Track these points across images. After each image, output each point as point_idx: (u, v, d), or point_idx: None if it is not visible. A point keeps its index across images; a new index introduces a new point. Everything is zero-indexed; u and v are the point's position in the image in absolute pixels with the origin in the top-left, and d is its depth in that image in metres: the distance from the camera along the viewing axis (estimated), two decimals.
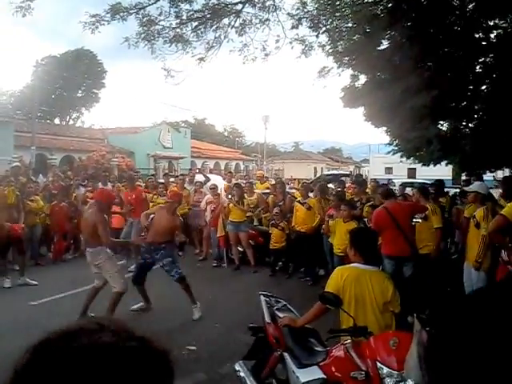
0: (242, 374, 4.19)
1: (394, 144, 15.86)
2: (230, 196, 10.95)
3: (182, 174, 15.06)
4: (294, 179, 17.45)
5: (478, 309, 0.93)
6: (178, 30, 9.89)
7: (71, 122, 48.70)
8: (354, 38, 10.40)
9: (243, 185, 11.73)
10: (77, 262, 10.47)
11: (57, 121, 46.40)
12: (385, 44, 10.01)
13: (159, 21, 9.64)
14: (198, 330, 6.51)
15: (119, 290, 6.50)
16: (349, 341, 3.29)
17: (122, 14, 9.22)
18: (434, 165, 15.26)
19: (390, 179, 22.58)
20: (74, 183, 12.92)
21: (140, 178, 14.95)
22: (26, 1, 8.45)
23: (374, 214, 7.32)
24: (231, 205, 10.48)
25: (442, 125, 13.21)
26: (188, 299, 7.11)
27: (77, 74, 40.74)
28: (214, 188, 11.34)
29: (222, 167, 39.61)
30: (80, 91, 47.92)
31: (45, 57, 43.04)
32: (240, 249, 10.56)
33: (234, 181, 14.27)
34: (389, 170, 33.95)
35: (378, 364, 2.93)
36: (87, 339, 0.77)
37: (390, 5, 9.09)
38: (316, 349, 3.68)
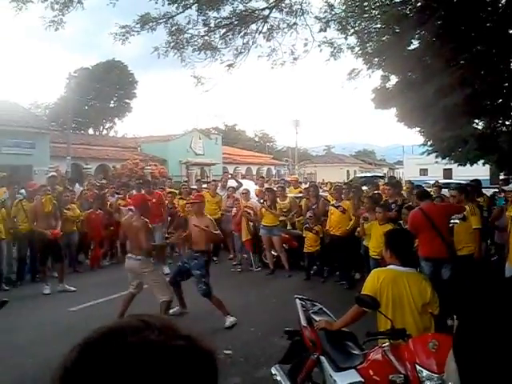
0: (278, 378, 4.18)
1: (429, 144, 15.58)
2: (262, 200, 10.97)
3: (214, 180, 15.17)
4: (327, 182, 17.33)
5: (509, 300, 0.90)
6: (206, 37, 10.01)
7: (105, 131, 49.76)
8: (384, 38, 10.30)
9: (276, 189, 11.73)
10: (113, 268, 10.70)
11: (91, 131, 47.45)
12: (415, 43, 9.89)
13: (188, 29, 9.78)
14: (234, 334, 6.53)
15: (167, 298, 6.59)
16: (387, 344, 3.24)
17: (151, 24, 9.39)
18: (471, 164, 14.95)
19: (424, 181, 22.20)
20: (108, 191, 13.16)
21: (173, 185, 15.15)
22: (58, 15, 8.69)
23: (409, 215, 7.23)
24: (263, 209, 10.49)
25: (477, 123, 12.94)
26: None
27: (109, 85, 41.63)
28: (246, 193, 11.38)
29: (254, 172, 39.71)
30: (112, 101, 48.91)
31: (77, 69, 44.16)
32: (274, 253, 10.55)
33: (266, 185, 14.29)
34: (424, 172, 33.33)
35: (418, 367, 2.88)
36: (135, 337, 0.76)
37: (419, 4, 8.98)
38: (353, 352, 3.64)
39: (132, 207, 7.26)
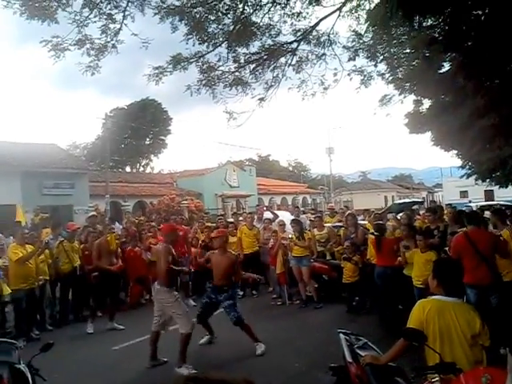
0: None
1: (467, 167, 15.27)
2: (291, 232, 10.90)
3: (250, 212, 15.20)
4: (364, 210, 17.08)
5: None
6: (236, 73, 10.19)
7: (141, 168, 50.92)
8: (414, 63, 10.28)
9: (313, 219, 11.63)
10: (153, 305, 10.73)
11: (128, 169, 48.64)
12: (446, 66, 9.81)
13: (218, 66, 9.99)
14: (278, 369, 6.41)
15: (188, 330, 6.59)
16: (437, 378, 3.12)
17: (182, 63, 9.64)
18: None
19: (465, 204, 21.64)
20: (146, 228, 13.32)
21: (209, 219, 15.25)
22: (94, 60, 9.03)
23: (453, 240, 7.03)
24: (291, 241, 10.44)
25: None
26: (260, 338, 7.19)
27: (144, 123, 42.72)
28: (282, 225, 11.34)
29: (289, 202, 39.65)
30: (148, 139, 50.15)
31: (113, 109, 45.60)
32: (315, 285, 10.40)
33: (302, 216, 14.21)
34: (464, 194, 32.65)
35: None
36: None
37: (447, 27, 8.93)
38: None
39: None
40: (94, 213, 15.59)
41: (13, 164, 20.09)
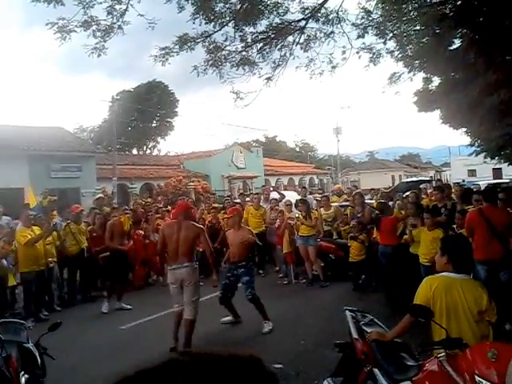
0: None
1: (476, 145, 15.13)
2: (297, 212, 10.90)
3: (256, 193, 15.19)
4: (370, 189, 17.02)
5: None
6: (243, 53, 10.06)
7: (148, 151, 50.84)
8: (424, 40, 10.10)
9: (319, 199, 11.60)
10: (159, 286, 10.86)
11: (134, 151, 48.59)
12: (457, 43, 9.65)
13: (225, 46, 9.86)
14: (284, 347, 6.46)
15: (193, 317, 6.52)
16: (443, 354, 3.11)
17: (189, 44, 9.52)
18: None
19: (473, 182, 21.46)
20: (153, 210, 13.35)
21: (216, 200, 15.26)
22: (100, 42, 8.95)
23: (467, 216, 7.07)
24: (298, 221, 10.45)
25: None
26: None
27: (150, 106, 42.51)
28: (289, 205, 11.34)
29: (296, 183, 39.60)
30: (155, 121, 49.97)
31: (119, 92, 45.26)
32: (322, 264, 10.43)
33: (309, 196, 14.17)
34: (472, 173, 32.42)
35: (477, 378, 2.75)
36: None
37: (459, 2, 8.77)
38: (408, 363, 3.51)
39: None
40: (101, 195, 15.67)
41: (20, 147, 20.14)
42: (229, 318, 7.68)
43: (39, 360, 4.40)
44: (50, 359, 4.55)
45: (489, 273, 6.43)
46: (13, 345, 4.28)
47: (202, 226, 7.28)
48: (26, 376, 4.12)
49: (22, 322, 5.21)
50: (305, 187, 19.30)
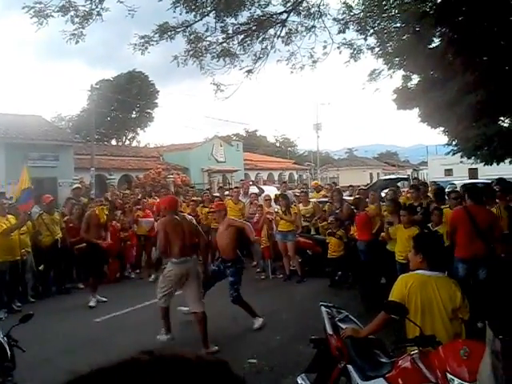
0: None
1: (453, 144, 15.30)
2: (276, 207, 10.90)
3: (236, 187, 15.13)
4: (349, 186, 17.11)
5: None
6: (224, 44, 9.97)
7: (127, 142, 50.36)
8: (404, 37, 10.13)
9: (298, 194, 11.60)
10: (135, 279, 10.74)
11: (113, 142, 48.08)
12: (436, 42, 9.70)
13: (206, 37, 9.76)
14: (259, 341, 6.45)
15: (202, 309, 6.37)
16: (416, 351, 3.13)
17: (169, 33, 9.40)
18: (497, 163, 14.60)
19: (450, 181, 21.76)
20: (131, 202, 13.21)
21: (195, 193, 15.17)
22: (78, 28, 8.77)
23: (452, 213, 7.17)
24: (277, 216, 10.44)
25: (503, 121, 12.64)
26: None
27: (130, 96, 42.07)
28: (268, 199, 11.32)
29: (276, 178, 39.65)
30: (134, 112, 49.47)
31: (99, 81, 44.65)
32: (299, 259, 10.44)
33: (288, 191, 14.18)
34: (448, 172, 32.80)
35: (449, 375, 2.77)
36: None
37: (438, 1, 8.81)
38: (381, 360, 3.52)
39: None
40: (79, 185, 15.43)
41: None
42: (186, 308, 7.32)
43: (9, 352, 4.30)
44: (21, 351, 4.46)
45: (468, 271, 6.50)
46: None
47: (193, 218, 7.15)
48: None
49: None
50: (285, 182, 19.33)
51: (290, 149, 66.98)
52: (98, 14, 8.78)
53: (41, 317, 6.88)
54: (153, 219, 11.44)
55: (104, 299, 9.01)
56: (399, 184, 17.31)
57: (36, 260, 9.77)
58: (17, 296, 8.95)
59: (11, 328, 4.40)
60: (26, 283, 9.46)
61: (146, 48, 9.48)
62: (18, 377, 4.39)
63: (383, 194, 11.19)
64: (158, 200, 12.26)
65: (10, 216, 8.84)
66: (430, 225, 7.89)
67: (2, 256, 8.52)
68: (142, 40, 9.42)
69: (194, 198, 13.53)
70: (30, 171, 17.21)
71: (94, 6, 8.69)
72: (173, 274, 6.42)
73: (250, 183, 15.72)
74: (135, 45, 9.43)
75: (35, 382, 5.20)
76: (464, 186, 14.02)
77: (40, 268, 9.73)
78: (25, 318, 4.52)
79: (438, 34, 9.37)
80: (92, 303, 8.74)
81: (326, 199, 12.46)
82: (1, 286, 8.59)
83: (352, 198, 11.22)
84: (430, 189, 11.42)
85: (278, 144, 70.61)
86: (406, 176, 25.04)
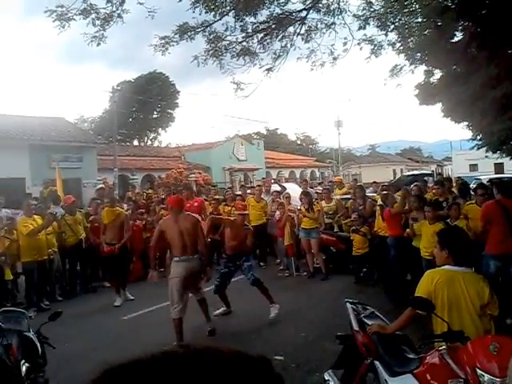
0: None
1: (478, 139, 15.07)
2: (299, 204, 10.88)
3: (258, 185, 15.14)
4: (372, 183, 16.97)
5: None
6: (244, 43, 10.01)
7: (149, 142, 50.79)
8: (425, 32, 10.04)
9: (320, 191, 11.58)
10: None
11: (135, 142, 48.55)
12: (458, 36, 9.58)
13: (225, 36, 9.81)
14: (285, 339, 6.46)
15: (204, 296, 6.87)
16: (444, 347, 3.11)
17: (189, 33, 9.47)
18: None
19: (475, 177, 21.42)
20: (154, 201, 13.33)
21: (217, 192, 15.25)
22: (99, 30, 8.90)
23: (483, 206, 7.02)
24: (301, 213, 10.44)
25: None
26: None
27: (151, 97, 42.42)
28: (288, 197, 11.33)
29: (297, 176, 39.57)
30: (155, 112, 49.88)
31: (120, 82, 45.26)
32: (323, 257, 10.42)
33: (310, 189, 14.15)
34: (473, 167, 32.32)
35: (478, 371, 2.74)
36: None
37: None
38: (408, 356, 3.51)
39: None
40: (103, 185, 15.65)
41: (21, 137, 20.09)
42: (221, 310, 7.74)
43: (40, 349, 4.42)
44: (51, 348, 4.57)
45: (499, 268, 6.37)
46: (13, 333, 4.30)
47: (198, 217, 7.35)
48: (27, 364, 4.13)
49: (22, 311, 5.21)
50: (306, 180, 19.28)
51: (311, 146, 66.79)
52: (119, 16, 8.90)
53: (69, 315, 7.04)
54: None
55: (131, 297, 9.14)
56: (426, 179, 17.10)
57: (62, 260, 9.97)
58: (45, 295, 9.15)
59: (41, 325, 4.51)
60: (54, 282, 9.66)
61: (167, 49, 9.58)
62: (49, 373, 4.50)
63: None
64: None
65: (36, 217, 9.01)
66: (448, 220, 7.79)
67: (30, 256, 8.70)
68: (163, 41, 9.52)
69: (217, 197, 13.59)
70: (54, 173, 17.60)
71: (114, 9, 8.82)
72: (177, 272, 6.48)
73: (272, 181, 15.74)
74: (156, 46, 9.54)
75: (66, 378, 5.31)
76: (490, 180, 13.82)
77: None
78: (54, 315, 4.62)
79: (460, 27, 9.24)
80: (117, 303, 8.85)
81: (349, 196, 12.42)
82: (29, 286, 8.78)
83: (375, 195, 11.15)
84: (454, 184, 11.30)
85: (299, 142, 70.41)
86: (429, 172, 24.75)
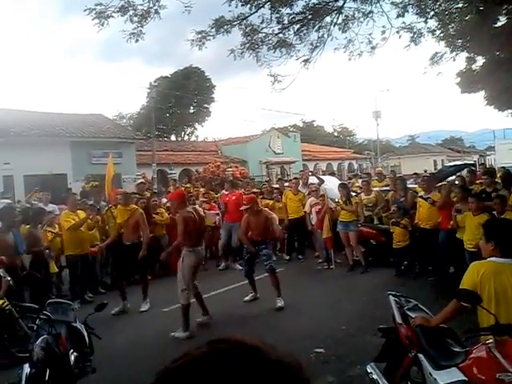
0: (374, 377, 4.04)
1: None
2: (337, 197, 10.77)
3: (295, 178, 15.07)
4: (415, 174, 16.62)
5: None
6: (280, 35, 9.96)
7: (186, 137, 51.33)
8: (467, 18, 9.74)
9: (359, 183, 11.42)
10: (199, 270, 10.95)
11: (173, 137, 49.14)
12: (502, 20, 9.27)
13: (262, 29, 9.79)
14: (325, 331, 6.43)
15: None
16: (491, 340, 3.02)
17: (225, 26, 9.50)
18: None
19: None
20: (193, 195, 13.45)
21: (254, 185, 15.29)
22: (137, 27, 9.03)
23: None
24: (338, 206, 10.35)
25: None
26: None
27: (188, 92, 42.82)
28: (316, 190, 11.23)
29: (335, 168, 39.21)
30: (192, 107, 50.32)
31: (157, 78, 45.84)
32: (363, 249, 10.30)
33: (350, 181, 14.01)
34: None
35: None
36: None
37: None
38: (454, 349, 3.43)
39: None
40: (142, 180, 15.91)
41: (62, 134, 20.66)
42: (249, 296, 8.14)
43: (87, 339, 4.55)
44: (97, 339, 4.69)
45: None
46: (62, 324, 4.43)
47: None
48: (75, 354, 4.27)
49: (69, 302, 5.38)
50: (340, 174, 19.12)
51: (348, 138, 65.97)
52: (156, 12, 9.01)
53: (112, 307, 7.22)
54: (218, 211, 11.87)
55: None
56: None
57: (107, 253, 10.18)
58: (88, 287, 9.37)
59: (87, 316, 4.63)
60: (97, 275, 9.88)
61: (204, 43, 9.64)
62: (95, 362, 4.62)
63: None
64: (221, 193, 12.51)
65: (79, 211, 9.19)
66: (495, 212, 7.54)
67: (73, 249, 8.90)
68: (199, 35, 9.58)
69: (254, 190, 13.62)
70: (95, 168, 18.03)
71: (151, 5, 8.93)
72: (193, 261, 6.96)
73: (310, 173, 15.63)
74: (192, 40, 9.62)
75: (112, 368, 5.44)
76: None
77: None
78: (100, 307, 4.75)
79: (503, 11, 8.93)
80: (143, 308, 8.31)
81: (389, 188, 12.21)
82: (73, 278, 9.00)
83: (416, 186, 10.92)
84: (497, 175, 10.96)
85: (336, 134, 69.68)
86: (472, 162, 24.08)
